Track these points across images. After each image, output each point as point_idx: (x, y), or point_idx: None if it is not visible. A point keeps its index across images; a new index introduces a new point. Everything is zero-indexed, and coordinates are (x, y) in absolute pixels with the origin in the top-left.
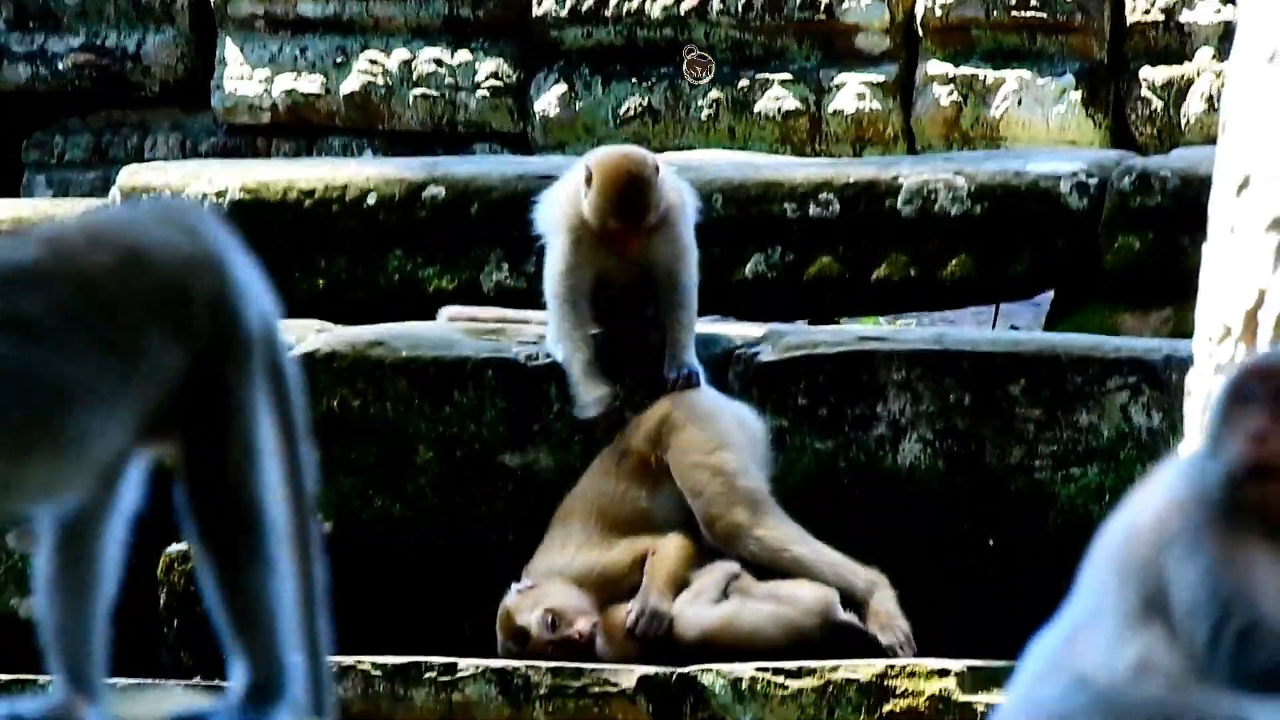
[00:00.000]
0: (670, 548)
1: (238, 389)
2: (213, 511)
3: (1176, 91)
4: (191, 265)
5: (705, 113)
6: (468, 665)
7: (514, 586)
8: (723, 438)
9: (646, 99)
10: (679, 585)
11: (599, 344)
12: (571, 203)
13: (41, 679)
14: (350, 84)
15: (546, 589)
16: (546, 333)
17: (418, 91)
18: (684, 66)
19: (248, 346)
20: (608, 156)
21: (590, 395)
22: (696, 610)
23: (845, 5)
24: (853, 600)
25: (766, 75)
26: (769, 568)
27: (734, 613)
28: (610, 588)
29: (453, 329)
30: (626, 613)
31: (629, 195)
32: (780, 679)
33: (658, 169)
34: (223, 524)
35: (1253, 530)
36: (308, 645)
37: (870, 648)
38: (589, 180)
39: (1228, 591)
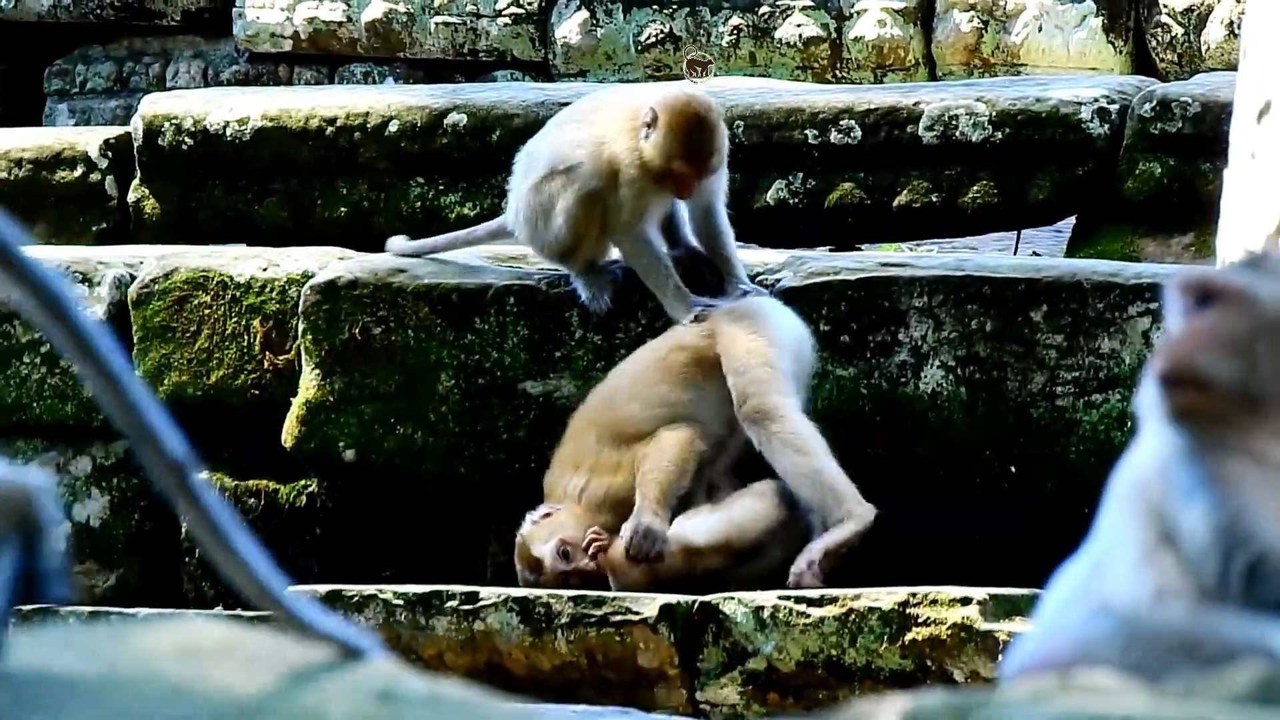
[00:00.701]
0: (661, 455)
1: None
2: None
3: (1197, 17)
4: None
5: (726, 39)
6: (489, 594)
7: (529, 516)
8: (774, 337)
9: (667, 25)
10: (675, 493)
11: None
12: (629, 147)
13: (61, 609)
14: (371, 11)
15: (561, 518)
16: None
17: (439, 19)
18: (684, 67)
19: None
20: (677, 98)
21: (685, 308)
22: (695, 522)
23: None
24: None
25: (788, 2)
26: (772, 462)
27: (726, 509)
28: (625, 506)
29: (478, 255)
30: (620, 536)
31: (701, 138)
32: (802, 607)
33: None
34: None
35: (1231, 452)
36: (239, 578)
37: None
38: (652, 122)
39: (1227, 532)
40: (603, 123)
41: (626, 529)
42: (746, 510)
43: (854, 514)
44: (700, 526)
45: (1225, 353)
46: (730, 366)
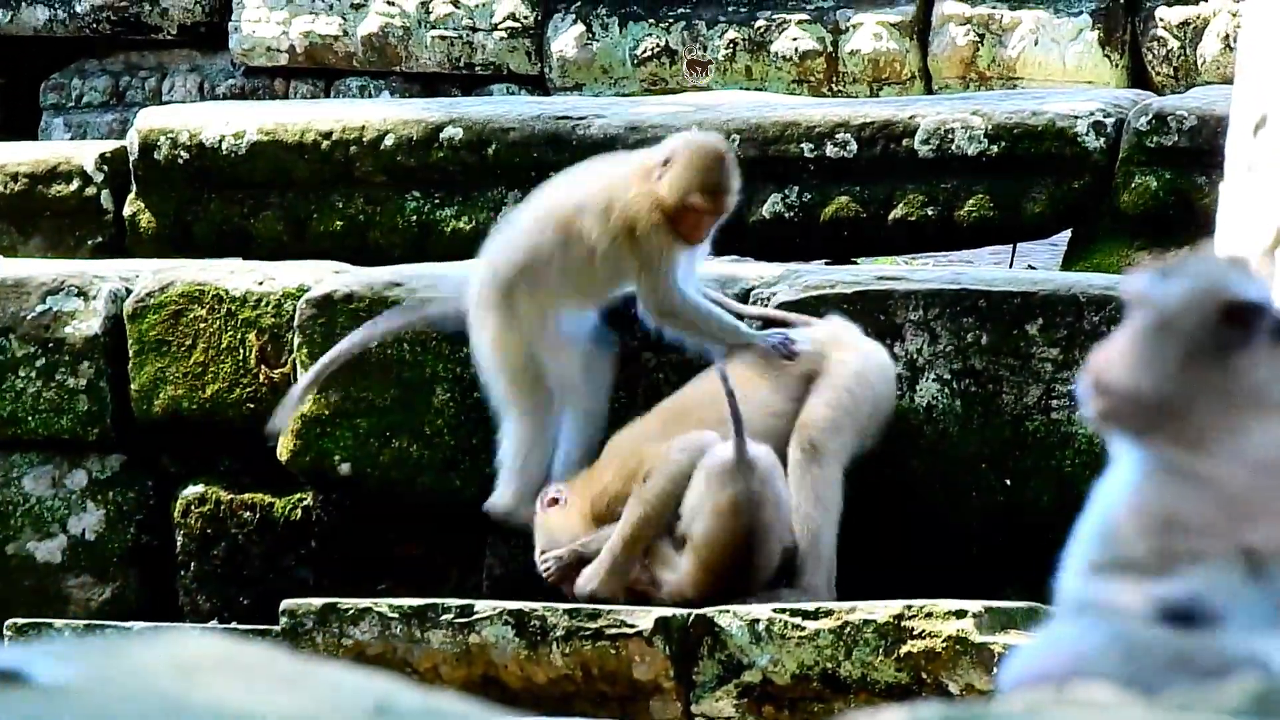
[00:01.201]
0: (655, 484)
1: None
2: None
3: (1193, 31)
4: None
5: (722, 53)
6: (484, 607)
7: (544, 492)
8: (871, 388)
9: (663, 39)
10: (651, 535)
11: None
12: (642, 192)
13: (57, 622)
14: (368, 25)
15: (555, 518)
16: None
17: (435, 33)
18: (684, 68)
19: None
20: (691, 136)
21: (761, 340)
22: (681, 572)
23: None
24: (788, 569)
25: (784, 15)
26: (793, 490)
27: (694, 545)
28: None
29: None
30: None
31: (720, 172)
32: (797, 620)
33: None
34: None
35: (1156, 463)
36: None
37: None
38: (667, 161)
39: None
40: (607, 180)
41: (578, 587)
42: (710, 533)
43: (818, 591)
44: (687, 572)
45: (1128, 358)
46: (825, 384)
